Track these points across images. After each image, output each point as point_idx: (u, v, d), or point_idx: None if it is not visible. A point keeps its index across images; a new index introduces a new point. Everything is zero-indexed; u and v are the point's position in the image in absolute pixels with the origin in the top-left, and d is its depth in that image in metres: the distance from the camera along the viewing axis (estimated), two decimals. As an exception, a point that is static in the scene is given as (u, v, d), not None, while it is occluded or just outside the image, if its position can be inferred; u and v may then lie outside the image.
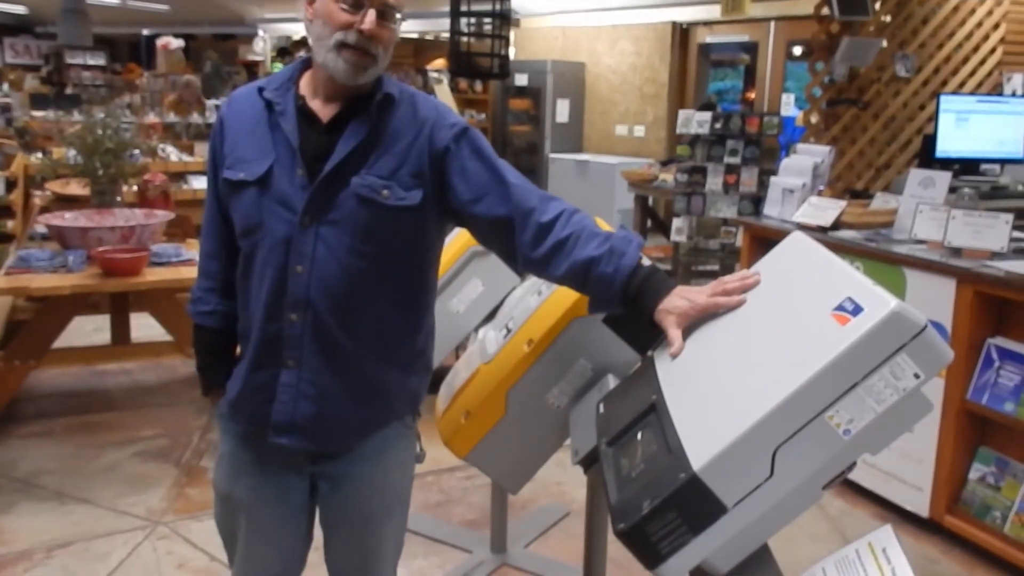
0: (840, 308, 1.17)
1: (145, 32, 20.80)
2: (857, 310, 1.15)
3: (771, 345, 1.24)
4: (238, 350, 1.79)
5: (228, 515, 1.82)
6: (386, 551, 1.86)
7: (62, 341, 3.76)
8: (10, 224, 5.79)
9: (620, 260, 1.53)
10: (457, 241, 2.50)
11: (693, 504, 1.15)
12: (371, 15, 1.55)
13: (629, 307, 1.54)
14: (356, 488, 1.76)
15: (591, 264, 1.54)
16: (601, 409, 1.54)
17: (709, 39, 10.15)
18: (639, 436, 1.33)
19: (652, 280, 1.52)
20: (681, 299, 1.46)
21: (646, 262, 1.57)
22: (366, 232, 1.62)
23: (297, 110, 1.65)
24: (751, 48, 9.82)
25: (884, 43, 5.28)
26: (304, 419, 1.66)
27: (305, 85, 1.68)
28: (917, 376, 1.13)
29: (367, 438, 1.74)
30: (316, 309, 1.62)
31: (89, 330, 4.67)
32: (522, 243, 1.62)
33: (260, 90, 1.68)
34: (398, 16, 1.62)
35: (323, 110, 1.65)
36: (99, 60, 14.16)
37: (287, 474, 1.75)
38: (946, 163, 4.49)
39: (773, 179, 4.13)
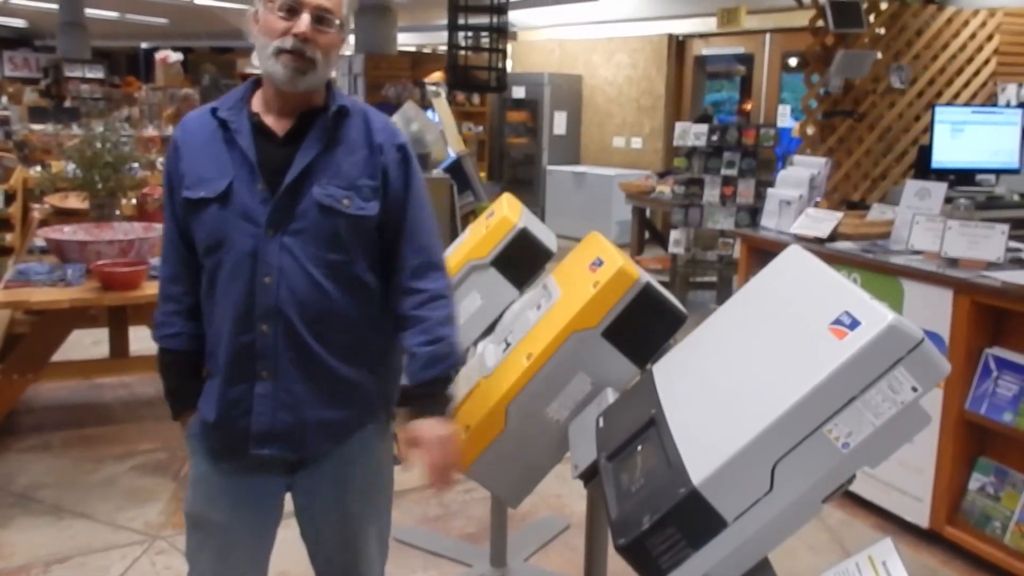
0: (837, 322, 1.18)
1: (144, 45, 20.87)
2: (854, 324, 1.16)
3: (769, 359, 1.24)
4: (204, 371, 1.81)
5: (201, 540, 1.82)
6: (373, 553, 1.89)
7: (60, 354, 3.76)
8: (9, 237, 5.78)
9: (422, 370, 1.74)
10: (455, 255, 2.51)
11: (693, 519, 1.15)
12: (305, 19, 1.61)
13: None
14: (339, 492, 1.80)
15: (408, 354, 1.76)
16: (600, 423, 1.54)
17: (705, 51, 10.19)
18: (639, 450, 1.34)
19: (427, 400, 1.75)
20: (426, 432, 1.72)
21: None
22: (329, 240, 1.68)
23: (253, 126, 1.70)
24: (747, 60, 9.86)
25: (879, 55, 5.31)
26: (284, 427, 1.70)
27: (257, 103, 1.73)
28: (915, 389, 1.13)
29: (346, 441, 1.78)
30: (287, 318, 1.67)
31: (87, 343, 4.66)
32: (393, 288, 1.78)
33: (213, 111, 1.72)
34: (336, 22, 1.66)
35: (277, 124, 1.71)
36: (98, 73, 14.21)
37: (263, 491, 1.79)
38: (942, 174, 4.51)
39: (770, 191, 4.14)
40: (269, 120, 1.71)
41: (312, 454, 1.76)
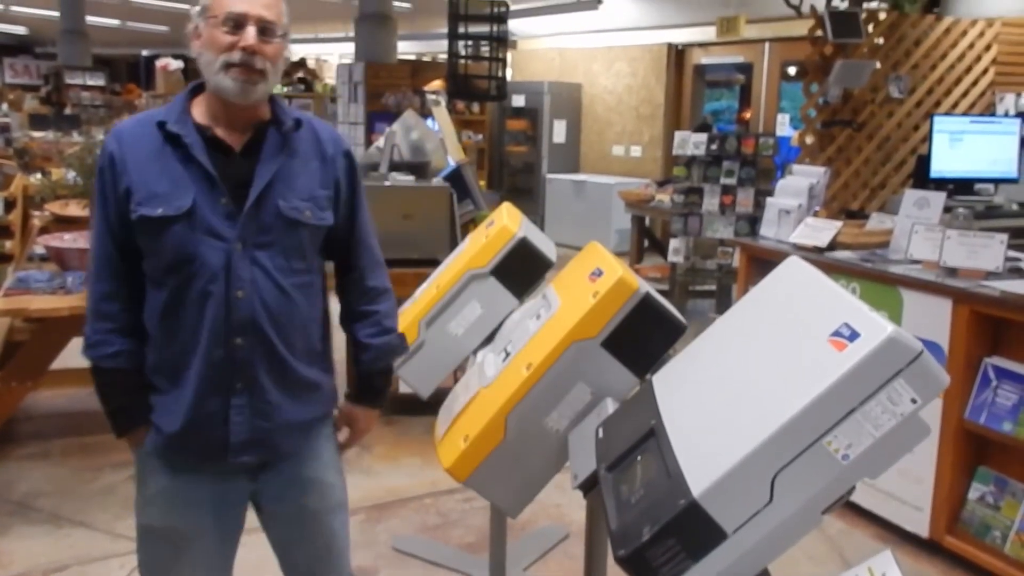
0: (837, 334, 1.18)
1: (144, 53, 20.91)
2: (854, 336, 1.16)
3: (769, 371, 1.25)
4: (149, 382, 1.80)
5: (162, 553, 1.83)
6: (341, 545, 1.96)
7: (59, 362, 3.75)
8: (9, 245, 5.78)
9: (374, 361, 1.93)
10: (455, 265, 2.51)
11: (693, 530, 1.15)
12: (251, 31, 1.65)
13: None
14: (303, 491, 1.87)
15: (359, 346, 1.92)
16: (600, 434, 1.54)
17: (704, 60, 10.22)
18: (638, 461, 1.34)
19: (372, 391, 1.97)
20: (361, 420, 1.97)
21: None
22: (295, 250, 1.76)
23: (207, 140, 1.71)
24: (746, 69, 9.88)
25: (878, 64, 5.33)
26: (261, 433, 1.76)
27: (200, 115, 1.73)
28: (914, 401, 1.14)
29: (310, 438, 1.87)
30: (262, 330, 1.72)
31: (87, 351, 4.66)
32: (346, 285, 1.94)
33: (160, 124, 1.70)
34: (280, 32, 1.70)
35: (231, 138, 1.73)
36: (98, 80, 14.24)
37: (228, 498, 1.83)
38: (940, 183, 4.52)
39: (769, 200, 4.15)
40: (221, 133, 1.72)
41: (285, 453, 1.83)
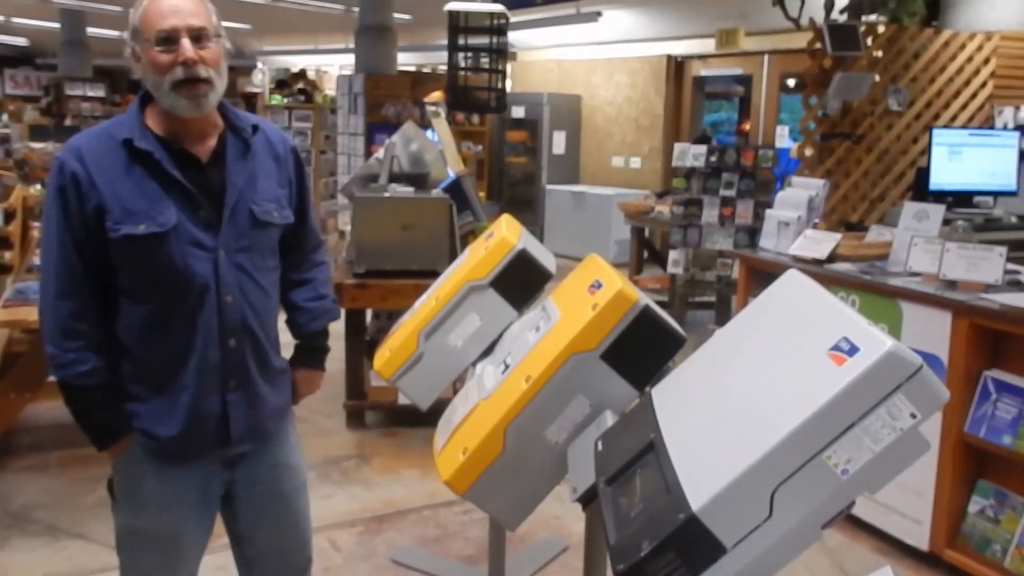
0: (836, 348, 1.18)
1: (144, 64, 20.90)
2: (853, 350, 1.16)
3: (768, 385, 1.24)
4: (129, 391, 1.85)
5: (150, 555, 1.90)
6: (305, 523, 2.07)
7: (58, 374, 3.75)
8: (8, 256, 5.78)
9: (311, 322, 2.09)
10: (454, 276, 2.51)
11: (692, 545, 1.15)
12: (185, 44, 1.68)
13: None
14: (277, 475, 1.98)
15: (297, 309, 2.08)
16: (599, 447, 1.54)
17: (704, 72, 10.25)
18: (638, 475, 1.33)
19: (312, 352, 2.12)
20: (304, 381, 2.10)
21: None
22: (267, 249, 1.89)
23: (173, 154, 1.75)
24: (745, 81, 9.91)
25: (877, 77, 5.34)
26: (255, 423, 1.89)
27: (159, 128, 1.77)
28: (914, 416, 1.13)
29: (284, 421, 2.01)
30: (251, 330, 1.84)
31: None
32: (291, 261, 2.02)
33: (127, 141, 1.72)
34: (214, 35, 1.75)
35: (196, 149, 1.78)
36: (99, 91, 14.27)
37: (208, 491, 1.91)
38: (940, 196, 4.52)
39: (769, 212, 4.15)
40: (187, 146, 1.77)
41: (267, 440, 1.95)
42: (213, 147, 1.80)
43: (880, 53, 5.44)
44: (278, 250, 1.94)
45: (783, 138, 9.11)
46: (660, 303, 1.86)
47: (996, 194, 4.97)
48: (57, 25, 14.92)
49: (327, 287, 2.12)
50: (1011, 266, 3.13)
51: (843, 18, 5.79)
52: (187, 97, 1.70)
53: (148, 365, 1.79)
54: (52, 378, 1.85)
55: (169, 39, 1.68)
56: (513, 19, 7.00)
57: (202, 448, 1.84)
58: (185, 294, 1.75)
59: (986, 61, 5.66)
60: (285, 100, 11.72)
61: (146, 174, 1.72)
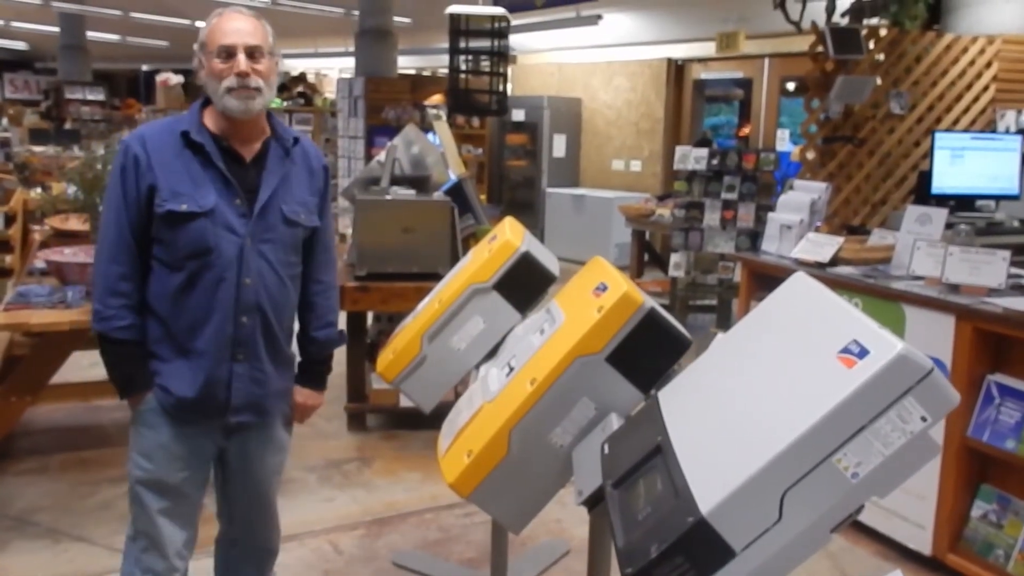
0: (846, 351, 1.18)
1: (144, 68, 20.97)
2: (863, 353, 1.16)
3: (777, 388, 1.24)
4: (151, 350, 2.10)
5: (162, 505, 2.14)
6: (275, 495, 2.33)
7: (59, 376, 3.74)
8: (8, 259, 5.77)
9: (319, 351, 2.33)
10: (458, 279, 2.50)
11: (701, 548, 1.14)
12: (241, 58, 1.98)
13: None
14: (266, 450, 2.23)
15: (307, 338, 2.30)
16: (606, 449, 1.53)
17: (704, 75, 10.26)
18: (645, 478, 1.33)
19: (315, 375, 2.34)
20: (308, 400, 2.31)
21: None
22: (292, 247, 2.13)
23: (222, 150, 2.03)
24: (745, 84, 9.92)
25: (878, 81, 5.34)
26: (256, 398, 2.12)
27: (213, 127, 2.05)
28: (924, 419, 1.13)
29: (286, 403, 2.24)
30: (263, 312, 2.08)
31: (85, 365, 4.62)
32: (305, 276, 2.23)
33: (185, 133, 2.01)
34: (266, 52, 2.03)
35: (242, 149, 2.06)
36: (98, 95, 14.27)
37: (206, 453, 2.17)
38: (942, 199, 4.52)
39: (771, 215, 4.15)
40: (234, 145, 2.05)
41: (271, 418, 2.20)
42: (257, 150, 2.08)
43: (882, 56, 5.44)
44: (301, 251, 2.17)
45: (783, 141, 9.11)
46: (661, 306, 1.86)
47: (998, 198, 4.96)
48: (57, 29, 14.94)
49: (334, 314, 2.33)
50: (1014, 270, 3.12)
51: (845, 21, 5.79)
52: (237, 99, 1.97)
53: (173, 329, 2.04)
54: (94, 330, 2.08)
55: (228, 53, 1.98)
56: (513, 22, 7.00)
57: (209, 411, 2.08)
58: (210, 268, 2.00)
59: (988, 65, 5.66)
60: (285, 103, 11.71)
61: (196, 163, 2.00)
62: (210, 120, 2.06)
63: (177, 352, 2.06)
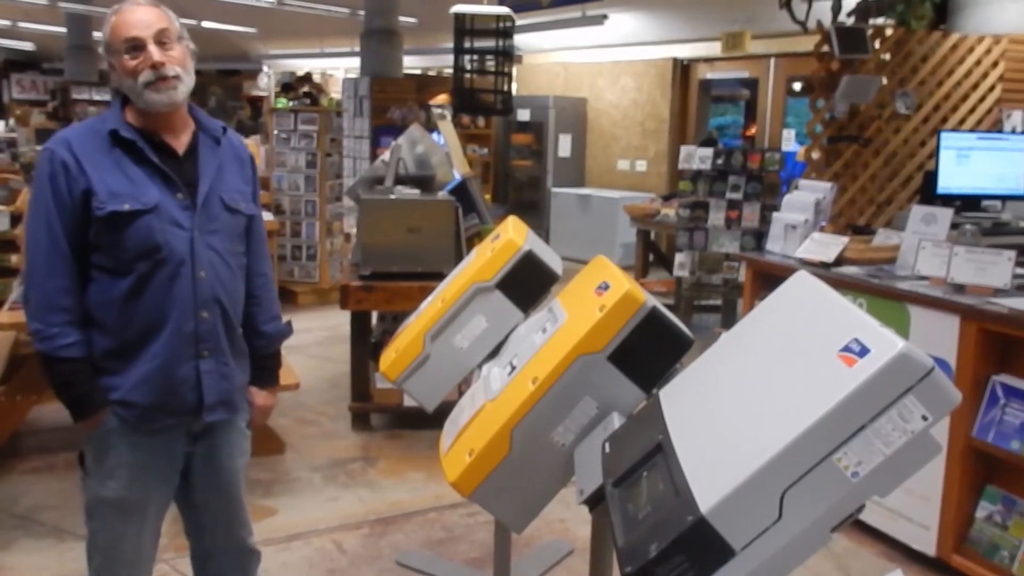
0: (847, 349, 1.17)
1: (150, 67, 20.94)
2: (864, 351, 1.15)
3: (778, 386, 1.23)
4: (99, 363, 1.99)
5: (115, 525, 2.07)
6: (241, 491, 2.25)
7: (64, 375, 3.75)
8: (14, 259, 5.79)
9: (269, 345, 2.25)
10: (460, 278, 2.51)
11: (701, 547, 1.14)
12: (152, 48, 1.90)
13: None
14: (232, 450, 2.16)
15: (256, 332, 2.21)
16: (607, 448, 1.53)
17: (710, 75, 10.24)
18: (646, 477, 1.33)
19: (267, 372, 2.26)
20: (261, 400, 2.25)
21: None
22: (237, 236, 2.09)
23: (154, 145, 1.96)
24: (751, 84, 9.90)
25: (884, 80, 5.32)
26: (226, 394, 2.06)
27: (137, 123, 1.97)
28: (925, 418, 1.12)
29: (246, 399, 2.18)
30: (222, 304, 2.03)
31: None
32: (249, 276, 2.17)
33: (113, 132, 1.92)
34: (176, 36, 1.96)
35: (175, 142, 2.00)
36: (105, 95, 14.25)
37: (172, 463, 2.08)
38: (947, 199, 4.50)
39: (775, 215, 4.14)
40: (165, 139, 1.98)
41: (237, 416, 2.14)
42: (188, 142, 2.01)
43: (888, 56, 5.42)
44: (244, 240, 2.13)
45: (789, 141, 9.09)
46: (666, 306, 1.85)
47: (1004, 198, 4.94)
48: (63, 30, 14.97)
49: (277, 306, 2.29)
50: (1020, 270, 3.11)
51: (850, 21, 5.77)
52: (158, 92, 1.90)
53: (124, 337, 1.94)
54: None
55: (135, 46, 1.89)
56: (519, 22, 7.00)
57: (178, 413, 2.00)
58: (163, 266, 1.93)
59: (994, 64, 5.64)
60: (291, 103, 11.72)
61: (129, 161, 1.92)
62: (133, 118, 1.97)
63: (131, 361, 1.95)
